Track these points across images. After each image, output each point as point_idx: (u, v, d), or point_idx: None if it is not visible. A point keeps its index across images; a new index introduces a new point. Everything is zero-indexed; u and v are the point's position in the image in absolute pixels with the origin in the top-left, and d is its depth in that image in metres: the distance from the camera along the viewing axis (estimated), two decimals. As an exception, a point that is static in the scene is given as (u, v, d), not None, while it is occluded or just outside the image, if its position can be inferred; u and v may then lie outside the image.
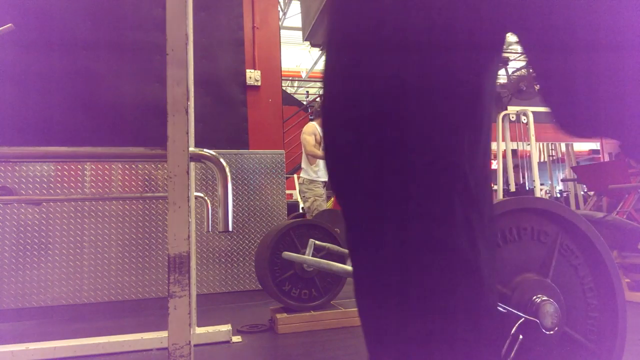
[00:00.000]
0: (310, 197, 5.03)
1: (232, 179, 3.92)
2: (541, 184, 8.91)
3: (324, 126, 0.71)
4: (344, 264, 2.49)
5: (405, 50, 0.60)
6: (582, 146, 16.02)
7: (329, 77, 0.69)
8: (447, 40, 0.60)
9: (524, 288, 1.10)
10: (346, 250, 2.89)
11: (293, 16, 13.50)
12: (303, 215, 6.20)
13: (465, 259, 0.61)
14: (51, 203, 3.45)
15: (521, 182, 8.31)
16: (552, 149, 13.97)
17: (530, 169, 7.23)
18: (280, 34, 4.60)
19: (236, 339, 2.64)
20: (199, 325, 2.66)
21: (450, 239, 0.60)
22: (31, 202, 3.10)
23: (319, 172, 5.03)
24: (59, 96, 3.63)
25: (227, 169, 1.06)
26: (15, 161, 3.40)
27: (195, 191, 2.81)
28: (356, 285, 0.69)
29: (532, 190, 7.27)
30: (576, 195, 9.66)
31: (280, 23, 5.36)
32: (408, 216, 0.61)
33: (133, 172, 3.72)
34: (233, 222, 1.06)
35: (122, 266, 3.59)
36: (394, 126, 0.61)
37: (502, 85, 7.96)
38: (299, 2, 7.99)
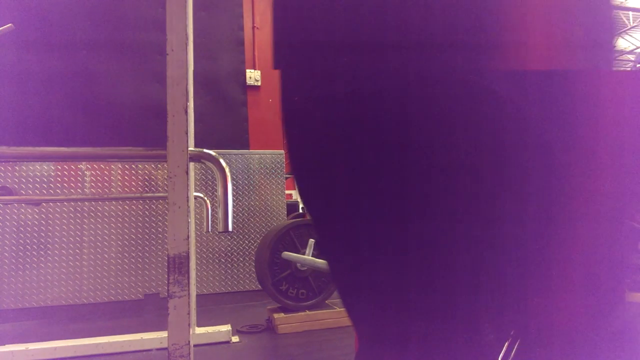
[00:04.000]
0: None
1: (232, 179, 3.92)
2: None
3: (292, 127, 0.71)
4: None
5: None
6: None
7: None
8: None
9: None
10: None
11: (293, 16, 13.47)
12: (303, 215, 6.20)
13: (463, 259, 0.61)
14: (51, 203, 3.45)
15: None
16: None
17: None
18: (280, 34, 4.60)
19: (235, 339, 2.64)
20: (198, 325, 2.66)
21: (449, 240, 0.60)
22: (31, 202, 3.10)
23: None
24: (59, 96, 3.63)
25: (227, 169, 1.06)
26: (15, 161, 3.40)
27: (195, 191, 2.81)
28: (343, 285, 0.70)
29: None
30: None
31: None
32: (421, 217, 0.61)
33: (133, 172, 3.72)
34: (233, 222, 1.06)
35: (122, 266, 3.59)
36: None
37: None
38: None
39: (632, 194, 0.69)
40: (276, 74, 0.69)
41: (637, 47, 17.27)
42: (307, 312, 2.90)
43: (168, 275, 0.87)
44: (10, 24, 2.28)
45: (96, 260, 3.54)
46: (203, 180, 3.89)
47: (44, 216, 3.46)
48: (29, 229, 3.42)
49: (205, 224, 3.11)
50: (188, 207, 0.90)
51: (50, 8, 3.67)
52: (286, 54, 0.69)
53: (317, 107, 0.67)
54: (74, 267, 3.48)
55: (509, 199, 0.68)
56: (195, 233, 3.33)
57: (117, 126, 3.76)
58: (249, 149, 4.15)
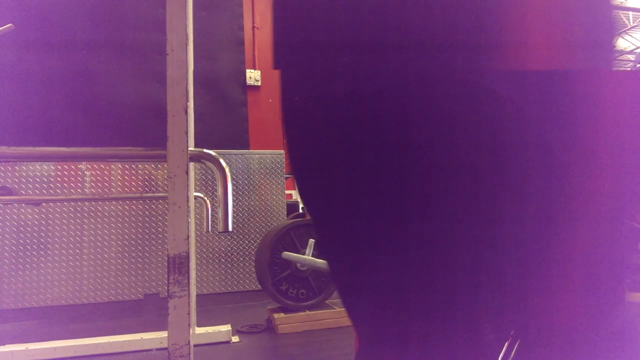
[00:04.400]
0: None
1: (232, 179, 3.92)
2: None
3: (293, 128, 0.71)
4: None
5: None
6: None
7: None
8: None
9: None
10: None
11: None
12: (303, 215, 6.20)
13: (463, 259, 0.61)
14: (51, 203, 3.45)
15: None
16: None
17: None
18: (280, 34, 4.60)
19: (235, 339, 2.64)
20: (198, 325, 2.66)
21: (449, 240, 0.60)
22: (31, 202, 3.09)
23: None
24: (59, 96, 3.63)
25: (227, 169, 1.06)
26: (15, 161, 3.40)
27: (195, 191, 2.81)
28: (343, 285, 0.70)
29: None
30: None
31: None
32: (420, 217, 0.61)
33: (133, 172, 3.72)
34: (233, 222, 1.07)
35: (122, 266, 3.59)
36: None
37: None
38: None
39: (632, 194, 0.69)
40: (276, 74, 0.69)
41: (637, 47, 17.27)
42: (307, 312, 2.90)
43: (168, 275, 0.87)
44: (10, 24, 2.28)
45: (96, 260, 3.54)
46: (203, 180, 3.89)
47: (44, 216, 3.46)
48: (29, 229, 3.42)
49: (205, 224, 3.11)
50: (188, 207, 0.90)
51: (50, 8, 3.66)
52: (286, 54, 0.69)
53: (317, 107, 0.67)
54: (74, 267, 3.48)
55: (509, 199, 0.68)
56: (195, 233, 3.33)
57: (117, 126, 3.76)
58: (249, 149, 4.15)
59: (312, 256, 2.91)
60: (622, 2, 15.21)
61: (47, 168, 3.51)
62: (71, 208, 3.52)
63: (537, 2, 0.70)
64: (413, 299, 0.68)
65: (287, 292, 2.98)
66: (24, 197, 3.25)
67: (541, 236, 0.68)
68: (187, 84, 0.93)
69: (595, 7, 0.72)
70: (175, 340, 0.86)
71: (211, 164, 1.05)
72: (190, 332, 0.88)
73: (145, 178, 3.74)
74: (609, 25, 0.73)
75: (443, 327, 0.67)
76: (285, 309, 2.94)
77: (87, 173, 3.61)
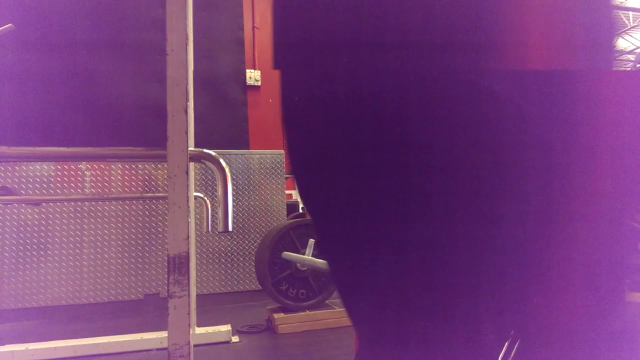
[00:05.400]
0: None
1: (232, 179, 3.92)
2: None
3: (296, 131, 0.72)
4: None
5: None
6: None
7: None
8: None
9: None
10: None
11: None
12: (303, 215, 6.20)
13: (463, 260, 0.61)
14: (51, 203, 3.45)
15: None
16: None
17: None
18: (280, 34, 4.61)
19: (235, 339, 2.64)
20: (198, 326, 2.66)
21: (450, 240, 0.61)
22: (31, 202, 3.09)
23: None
24: (59, 96, 3.63)
25: (227, 169, 1.06)
26: (15, 161, 3.40)
27: (195, 191, 2.81)
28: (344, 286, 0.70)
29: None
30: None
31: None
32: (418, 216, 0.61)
33: (133, 172, 3.71)
34: (233, 222, 1.07)
35: (122, 266, 3.59)
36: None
37: None
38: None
39: (632, 194, 0.69)
40: (276, 74, 0.69)
41: (637, 47, 17.27)
42: (307, 312, 2.90)
43: (168, 275, 0.87)
44: (10, 24, 2.28)
45: (96, 260, 3.54)
46: (203, 180, 3.89)
47: (44, 216, 3.46)
48: (29, 229, 3.42)
49: (205, 224, 3.11)
50: (188, 207, 0.90)
51: (50, 8, 3.67)
52: (286, 54, 0.70)
53: (317, 107, 0.67)
54: (74, 267, 3.48)
55: (509, 199, 0.68)
56: (195, 233, 3.33)
57: (117, 126, 3.76)
58: (249, 149, 4.15)
59: (312, 256, 2.91)
60: (622, 2, 15.20)
61: (47, 168, 3.51)
62: (71, 208, 3.52)
63: (537, 2, 0.70)
64: (413, 299, 0.68)
65: (287, 292, 2.98)
66: (24, 197, 3.25)
67: (541, 236, 0.68)
68: (187, 84, 0.93)
69: (595, 7, 0.72)
70: (175, 340, 0.86)
71: (211, 164, 1.05)
72: (190, 332, 0.88)
73: (145, 178, 3.74)
74: (609, 25, 0.73)
75: (443, 327, 0.67)
76: (285, 309, 2.94)
77: (87, 173, 3.61)
